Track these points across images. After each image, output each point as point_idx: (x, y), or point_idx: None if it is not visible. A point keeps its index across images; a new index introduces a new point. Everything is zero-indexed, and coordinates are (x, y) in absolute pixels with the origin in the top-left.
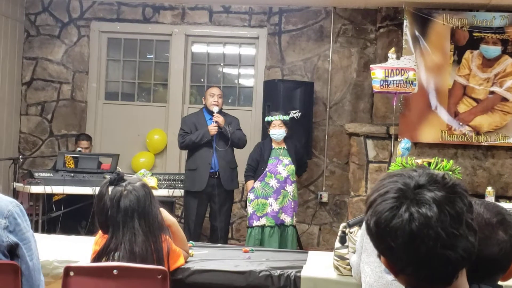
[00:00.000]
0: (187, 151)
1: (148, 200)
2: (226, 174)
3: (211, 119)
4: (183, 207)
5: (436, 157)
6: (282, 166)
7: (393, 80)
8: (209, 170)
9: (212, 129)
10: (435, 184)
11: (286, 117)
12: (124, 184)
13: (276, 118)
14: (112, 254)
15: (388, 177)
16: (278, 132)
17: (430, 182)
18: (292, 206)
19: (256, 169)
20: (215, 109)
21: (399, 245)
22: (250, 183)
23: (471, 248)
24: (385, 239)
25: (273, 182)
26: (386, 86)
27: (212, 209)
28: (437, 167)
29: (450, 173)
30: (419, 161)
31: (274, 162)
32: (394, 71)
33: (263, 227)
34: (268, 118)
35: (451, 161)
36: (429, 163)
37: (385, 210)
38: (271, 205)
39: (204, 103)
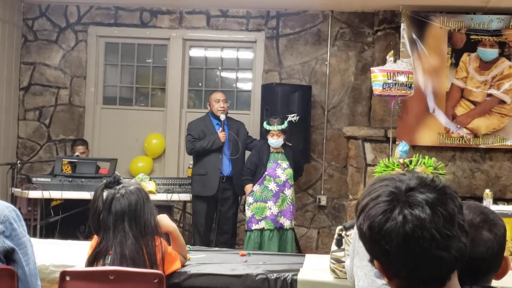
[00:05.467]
0: (192, 156)
1: (140, 203)
2: (239, 179)
3: (218, 124)
4: (192, 211)
5: (417, 155)
6: (281, 169)
7: (395, 83)
8: (219, 175)
9: (223, 137)
10: (426, 186)
11: (284, 126)
12: (118, 187)
13: (274, 128)
14: (103, 257)
15: (378, 181)
16: (276, 141)
17: (420, 184)
18: (291, 210)
19: (254, 172)
20: (222, 117)
21: (393, 248)
22: (248, 186)
23: (463, 249)
24: (379, 243)
25: (272, 186)
26: (389, 89)
27: (220, 213)
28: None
29: (432, 169)
30: (401, 160)
31: (273, 166)
32: (396, 74)
33: (262, 230)
34: (266, 126)
35: (433, 158)
36: (411, 161)
37: (378, 213)
38: (270, 209)
39: (209, 108)
